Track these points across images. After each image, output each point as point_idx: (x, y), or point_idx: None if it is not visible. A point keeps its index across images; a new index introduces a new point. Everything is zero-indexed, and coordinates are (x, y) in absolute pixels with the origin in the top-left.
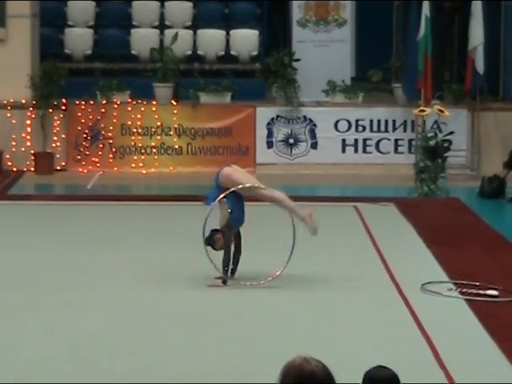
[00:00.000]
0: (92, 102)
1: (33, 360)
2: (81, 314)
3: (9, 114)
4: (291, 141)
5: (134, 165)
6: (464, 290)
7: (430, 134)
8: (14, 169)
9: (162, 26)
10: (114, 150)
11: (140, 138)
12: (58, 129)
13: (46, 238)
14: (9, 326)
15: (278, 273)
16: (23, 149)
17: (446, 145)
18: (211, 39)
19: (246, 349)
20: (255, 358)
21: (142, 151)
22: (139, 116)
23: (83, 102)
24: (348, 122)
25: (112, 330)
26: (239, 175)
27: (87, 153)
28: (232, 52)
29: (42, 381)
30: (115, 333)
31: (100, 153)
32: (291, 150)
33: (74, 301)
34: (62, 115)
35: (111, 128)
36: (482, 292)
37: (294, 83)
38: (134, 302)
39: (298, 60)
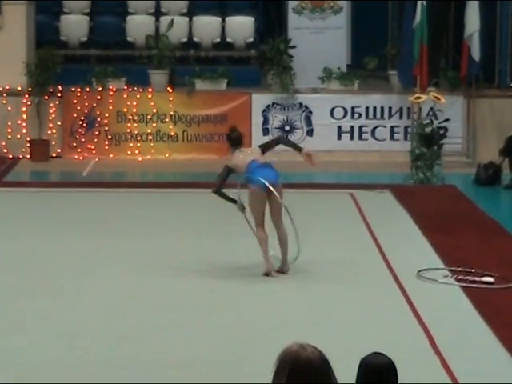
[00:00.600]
0: (88, 89)
1: (25, 347)
2: (75, 302)
3: (4, 101)
4: (287, 128)
5: (129, 152)
6: (460, 277)
7: (425, 121)
8: (10, 156)
9: (157, 13)
10: (109, 137)
11: (136, 125)
12: (53, 116)
13: (41, 225)
14: (1, 312)
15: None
16: (19, 136)
17: (441, 132)
18: (207, 26)
19: (242, 336)
20: (251, 345)
21: (138, 138)
22: (135, 103)
23: (79, 89)
24: (344, 109)
25: (106, 318)
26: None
27: (83, 140)
28: (228, 39)
29: (36, 368)
30: (109, 320)
31: (96, 140)
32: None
33: (68, 288)
34: (57, 102)
35: (107, 115)
36: (477, 279)
37: (290, 70)
38: (128, 289)
39: (293, 47)
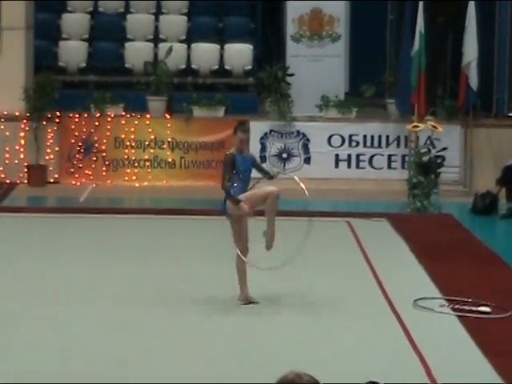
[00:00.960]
0: (86, 115)
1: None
2: (66, 328)
3: (2, 126)
4: (284, 155)
5: (127, 178)
6: (456, 307)
7: (423, 150)
8: (7, 181)
9: (156, 40)
10: (107, 162)
11: (133, 151)
12: (51, 141)
13: (36, 251)
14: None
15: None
16: (16, 161)
17: (439, 161)
18: (205, 53)
19: (237, 364)
20: (246, 373)
21: (135, 164)
22: (133, 129)
23: (77, 115)
24: (341, 137)
25: (98, 345)
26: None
27: (80, 165)
28: (226, 66)
29: None
30: (100, 348)
31: (93, 165)
32: (284, 164)
33: (60, 315)
34: (55, 128)
35: (104, 141)
36: (474, 308)
37: (288, 98)
38: (122, 316)
39: (291, 75)
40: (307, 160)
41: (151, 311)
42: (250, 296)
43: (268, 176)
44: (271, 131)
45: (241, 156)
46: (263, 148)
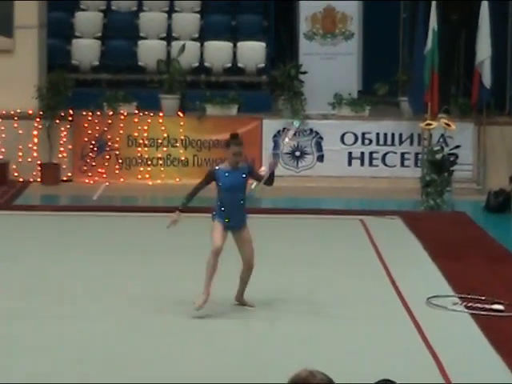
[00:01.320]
0: (99, 113)
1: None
2: (75, 326)
3: (16, 125)
4: (297, 153)
5: (140, 176)
6: (469, 305)
7: (436, 148)
8: (21, 179)
9: (169, 38)
10: (120, 161)
11: (146, 149)
12: (64, 139)
13: (48, 249)
14: (2, 335)
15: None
16: (30, 159)
17: (452, 159)
18: (218, 51)
19: (249, 364)
20: (257, 372)
21: (149, 162)
22: (146, 127)
23: (90, 113)
24: (354, 135)
25: (106, 343)
26: None
27: (93, 164)
28: (239, 64)
29: None
30: (109, 346)
31: (106, 164)
32: (297, 162)
33: (71, 312)
34: (68, 126)
35: (118, 139)
36: (487, 306)
37: (301, 96)
38: (132, 314)
39: (304, 73)
40: (320, 158)
41: (161, 310)
42: (244, 300)
43: (269, 181)
44: (284, 129)
45: (230, 172)
46: (276, 146)
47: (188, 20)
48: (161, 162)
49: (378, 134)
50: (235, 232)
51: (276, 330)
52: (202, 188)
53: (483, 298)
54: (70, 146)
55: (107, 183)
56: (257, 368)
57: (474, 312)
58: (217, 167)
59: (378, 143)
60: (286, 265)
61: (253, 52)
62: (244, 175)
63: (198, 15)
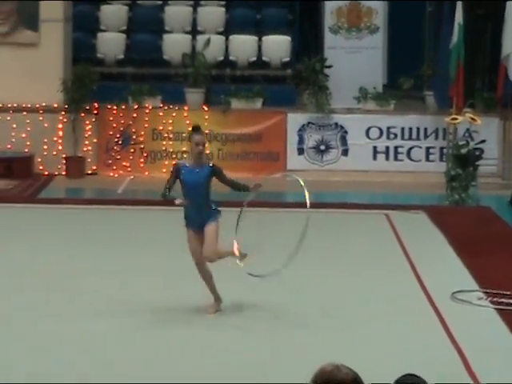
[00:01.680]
0: (123, 107)
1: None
2: (88, 322)
3: (41, 118)
4: (322, 147)
5: (164, 170)
6: (494, 299)
7: (461, 143)
8: (46, 172)
9: (194, 32)
10: (145, 154)
11: (171, 142)
12: (89, 133)
13: (71, 243)
14: (21, 329)
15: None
16: (54, 152)
17: (477, 153)
18: (243, 45)
19: (272, 356)
20: (281, 367)
21: (173, 156)
22: (170, 121)
23: (115, 107)
24: (379, 129)
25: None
26: None
27: (118, 157)
28: (264, 58)
29: None
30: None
31: (131, 157)
32: (322, 156)
33: (91, 307)
34: (93, 119)
35: (142, 133)
36: None
37: (326, 90)
38: (153, 305)
39: (329, 67)
40: (345, 152)
41: (176, 308)
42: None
43: (243, 189)
44: (309, 123)
45: (193, 168)
46: (301, 140)
47: (213, 13)
48: (185, 155)
49: (402, 128)
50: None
51: (300, 321)
52: (173, 183)
53: (508, 292)
54: (94, 140)
55: (132, 177)
56: (283, 365)
57: (498, 307)
58: (181, 162)
59: (402, 137)
60: (309, 259)
61: (278, 46)
62: (207, 175)
63: (223, 9)
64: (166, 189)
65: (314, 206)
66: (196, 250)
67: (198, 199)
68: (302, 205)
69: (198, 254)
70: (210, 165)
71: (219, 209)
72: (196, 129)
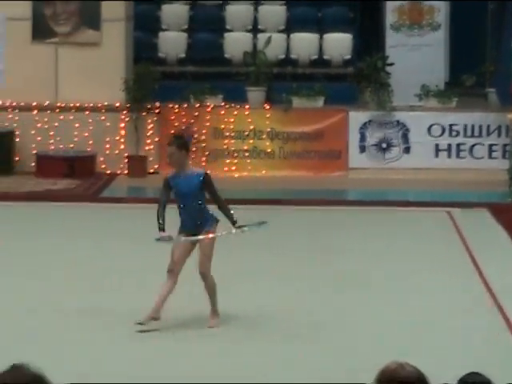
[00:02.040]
0: (185, 106)
1: None
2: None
3: (103, 117)
4: (384, 145)
5: (226, 168)
6: None
7: None
8: (108, 171)
9: (255, 30)
10: (206, 153)
11: (232, 141)
12: (151, 132)
13: (129, 241)
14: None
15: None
16: (117, 152)
17: None
18: (304, 43)
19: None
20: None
21: (235, 155)
22: (232, 120)
23: (176, 106)
24: (441, 126)
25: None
26: None
27: None
28: (325, 56)
29: None
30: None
31: (193, 156)
32: (384, 154)
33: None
34: (155, 118)
35: (204, 131)
36: None
37: (387, 87)
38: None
39: (391, 64)
40: (407, 150)
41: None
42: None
43: (228, 216)
44: (370, 121)
45: (179, 176)
46: (362, 138)
47: (274, 12)
48: (247, 154)
49: (465, 125)
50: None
51: (368, 314)
52: (165, 197)
53: None
54: (156, 139)
55: None
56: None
57: None
58: (169, 174)
59: (465, 135)
60: (372, 256)
61: (339, 44)
62: (197, 181)
63: (284, 7)
64: (159, 214)
65: (376, 204)
66: (178, 258)
67: (191, 207)
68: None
69: (177, 263)
70: (202, 173)
71: (216, 216)
72: (171, 139)
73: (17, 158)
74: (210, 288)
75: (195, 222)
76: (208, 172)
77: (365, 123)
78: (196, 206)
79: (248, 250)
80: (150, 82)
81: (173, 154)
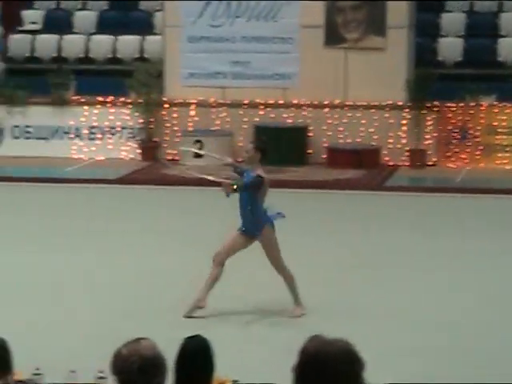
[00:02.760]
0: (461, 105)
1: None
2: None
3: (387, 114)
4: None
5: (498, 161)
6: None
7: None
8: (390, 163)
9: None
10: (480, 147)
11: (505, 137)
12: (430, 128)
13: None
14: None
15: None
16: (399, 145)
17: None
18: None
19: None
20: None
21: (507, 149)
22: (504, 117)
23: (453, 105)
24: None
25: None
26: None
27: (456, 150)
28: None
29: None
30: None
31: (468, 150)
32: None
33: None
34: (433, 116)
35: (478, 128)
36: None
37: None
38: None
39: None
40: None
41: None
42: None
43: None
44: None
45: (247, 170)
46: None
47: None
48: None
49: None
50: (255, 239)
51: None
52: (234, 165)
53: None
54: (435, 134)
55: (468, 168)
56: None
57: None
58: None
59: None
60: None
61: None
62: (247, 181)
63: None
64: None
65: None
66: (223, 248)
67: (241, 202)
68: None
69: (222, 253)
70: (254, 175)
71: (266, 222)
72: (254, 139)
73: (310, 151)
74: (286, 280)
75: (244, 220)
76: (259, 176)
77: None
78: (243, 202)
79: None
80: (429, 83)
81: (248, 151)
